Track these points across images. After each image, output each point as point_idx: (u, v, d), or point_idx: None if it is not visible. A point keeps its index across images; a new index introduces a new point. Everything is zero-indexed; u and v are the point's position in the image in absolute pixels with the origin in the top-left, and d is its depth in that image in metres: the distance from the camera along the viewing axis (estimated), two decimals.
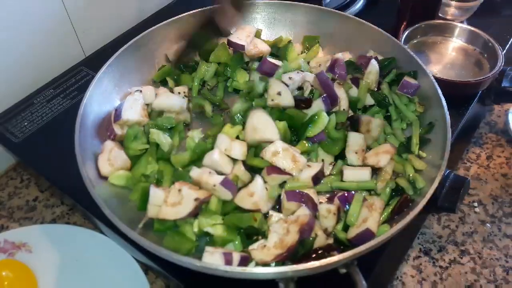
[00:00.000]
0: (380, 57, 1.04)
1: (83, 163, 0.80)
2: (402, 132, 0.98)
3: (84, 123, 0.89)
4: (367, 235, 0.76)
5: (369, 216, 0.77)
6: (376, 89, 0.98)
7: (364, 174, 0.88)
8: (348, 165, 0.91)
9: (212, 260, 0.71)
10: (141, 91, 1.01)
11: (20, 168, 1.24)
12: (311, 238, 0.77)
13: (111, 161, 0.89)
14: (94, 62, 1.26)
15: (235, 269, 0.65)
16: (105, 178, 0.89)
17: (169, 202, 0.78)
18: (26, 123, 1.12)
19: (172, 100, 1.00)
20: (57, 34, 1.24)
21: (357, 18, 1.09)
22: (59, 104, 1.17)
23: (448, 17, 1.35)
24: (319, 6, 1.12)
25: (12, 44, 1.14)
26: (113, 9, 1.35)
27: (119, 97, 1.03)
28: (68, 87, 1.21)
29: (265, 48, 1.09)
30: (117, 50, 1.04)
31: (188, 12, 1.10)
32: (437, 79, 0.97)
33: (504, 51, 1.17)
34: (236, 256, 0.72)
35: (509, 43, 1.29)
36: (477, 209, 1.14)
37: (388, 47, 1.05)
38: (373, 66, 0.97)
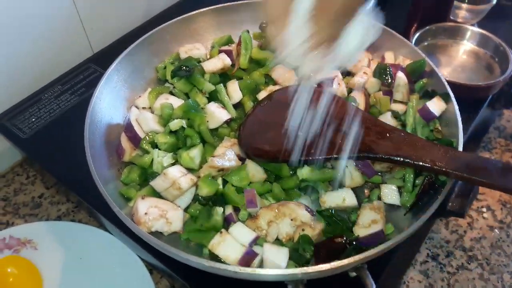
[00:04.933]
0: (408, 61, 1.01)
1: (93, 161, 0.79)
2: None
3: (94, 121, 0.88)
4: (380, 236, 0.76)
5: (378, 219, 0.77)
6: (408, 100, 0.96)
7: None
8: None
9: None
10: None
11: (27, 164, 1.24)
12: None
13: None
14: (102, 59, 1.26)
15: (246, 270, 0.65)
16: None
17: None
18: (33, 119, 1.12)
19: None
20: (66, 31, 1.23)
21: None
22: (67, 100, 1.16)
23: (459, 20, 1.34)
24: None
25: (21, 39, 1.14)
26: (122, 7, 1.35)
27: (129, 93, 1.02)
28: (76, 84, 1.20)
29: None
30: (125, 47, 1.03)
31: (199, 10, 1.10)
32: (448, 82, 0.96)
33: None
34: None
35: None
36: (485, 215, 1.13)
37: (402, 50, 1.04)
38: (400, 78, 0.94)
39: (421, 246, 1.06)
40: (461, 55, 1.22)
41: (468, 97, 1.09)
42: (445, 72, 1.17)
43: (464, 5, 1.31)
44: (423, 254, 1.05)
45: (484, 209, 1.14)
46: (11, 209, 1.13)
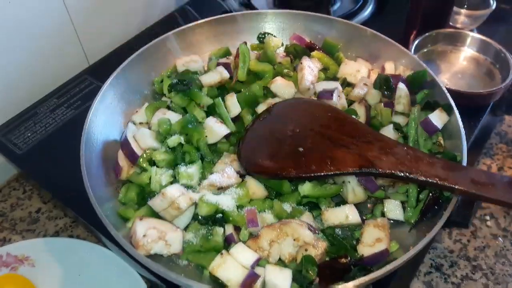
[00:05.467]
0: (408, 72, 1.00)
1: (89, 180, 0.78)
2: None
3: (90, 139, 0.87)
4: (384, 255, 0.74)
5: (383, 237, 0.75)
6: (409, 111, 0.94)
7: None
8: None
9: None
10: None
11: (23, 178, 1.22)
12: None
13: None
14: (98, 70, 1.24)
15: None
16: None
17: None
18: (29, 134, 1.10)
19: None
20: (61, 42, 1.22)
21: (370, 29, 1.07)
22: (63, 114, 1.15)
23: (458, 25, 1.32)
24: (329, 16, 1.10)
25: (14, 51, 1.12)
26: (118, 17, 1.33)
27: (125, 109, 1.00)
28: (72, 97, 1.18)
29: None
30: (121, 58, 1.01)
31: (196, 22, 1.08)
32: (448, 90, 0.95)
33: None
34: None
35: None
36: (489, 223, 1.11)
37: (402, 60, 1.03)
38: (402, 90, 0.93)
39: (425, 256, 1.05)
40: (461, 61, 1.21)
41: (470, 104, 1.07)
42: (445, 79, 1.16)
43: (463, 11, 1.30)
44: (427, 264, 1.04)
45: (488, 217, 1.12)
46: (8, 225, 1.12)
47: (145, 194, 0.85)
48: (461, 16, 1.31)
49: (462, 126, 0.85)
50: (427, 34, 1.20)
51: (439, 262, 1.04)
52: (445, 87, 0.95)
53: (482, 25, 1.33)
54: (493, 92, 1.08)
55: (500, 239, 1.08)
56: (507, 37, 1.29)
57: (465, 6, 1.31)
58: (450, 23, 1.31)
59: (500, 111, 1.23)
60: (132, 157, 0.87)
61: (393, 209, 0.82)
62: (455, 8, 1.27)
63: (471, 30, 1.30)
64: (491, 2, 1.29)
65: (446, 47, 1.23)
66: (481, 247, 1.07)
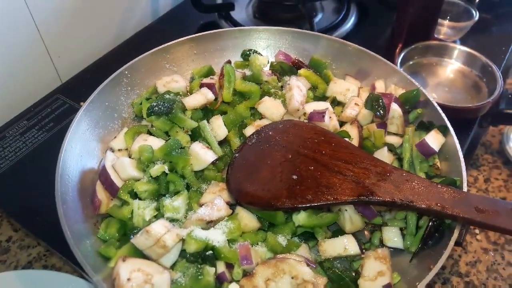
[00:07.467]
0: (401, 91, 0.97)
1: (65, 217, 0.72)
2: None
3: (65, 172, 0.80)
4: None
5: (385, 269, 0.71)
6: (403, 132, 0.91)
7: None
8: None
9: None
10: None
11: None
12: None
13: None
14: (72, 89, 1.18)
15: None
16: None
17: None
18: None
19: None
20: (30, 60, 1.15)
21: (357, 46, 1.04)
22: (34, 137, 1.08)
23: (441, 37, 1.31)
24: (315, 33, 1.06)
25: None
26: (91, 31, 1.26)
27: (103, 134, 0.94)
28: (44, 118, 1.12)
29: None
30: (96, 74, 0.96)
31: (176, 40, 1.02)
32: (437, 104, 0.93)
33: (501, 69, 1.14)
34: None
35: (504, 62, 1.26)
36: (478, 237, 1.10)
37: (392, 78, 1.00)
38: (395, 111, 0.90)
39: None
40: (447, 74, 1.20)
41: (458, 118, 1.06)
42: (432, 92, 1.14)
43: (446, 22, 1.29)
44: None
45: (477, 231, 1.11)
46: None
47: (127, 229, 0.79)
48: (444, 28, 1.31)
49: (460, 149, 0.82)
50: (413, 46, 1.19)
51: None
52: (436, 102, 0.93)
53: (465, 35, 1.32)
54: (482, 106, 1.07)
55: (491, 253, 1.07)
56: (490, 47, 1.29)
57: (448, 17, 1.31)
58: (435, 35, 1.30)
59: (485, 123, 1.22)
60: (112, 189, 0.81)
61: (392, 237, 0.78)
62: (438, 20, 1.26)
63: (454, 41, 1.29)
64: (474, 13, 1.29)
65: (432, 60, 1.22)
66: (472, 262, 1.06)
